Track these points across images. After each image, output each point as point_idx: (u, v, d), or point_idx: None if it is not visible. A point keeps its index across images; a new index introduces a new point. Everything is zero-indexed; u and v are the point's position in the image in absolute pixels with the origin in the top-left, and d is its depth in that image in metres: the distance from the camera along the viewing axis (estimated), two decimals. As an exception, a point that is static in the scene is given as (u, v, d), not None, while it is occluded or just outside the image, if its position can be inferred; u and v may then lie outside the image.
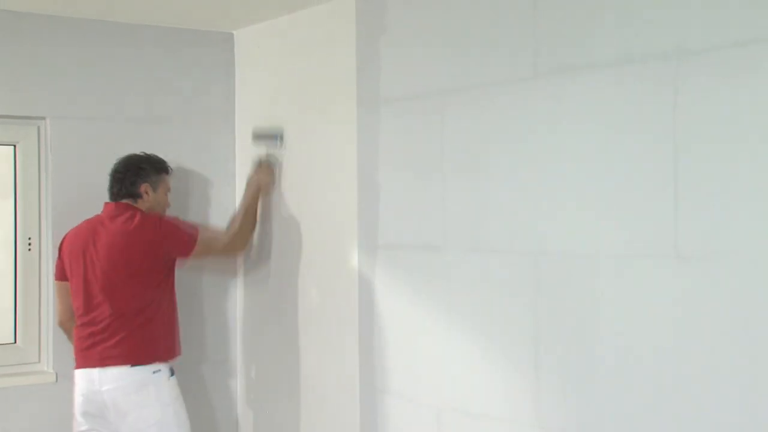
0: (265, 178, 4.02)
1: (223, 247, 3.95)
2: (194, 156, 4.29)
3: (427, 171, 3.27)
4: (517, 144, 2.93)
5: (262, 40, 4.25)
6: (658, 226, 2.51)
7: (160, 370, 3.63)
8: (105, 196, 3.83)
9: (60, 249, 3.80)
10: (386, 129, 3.46)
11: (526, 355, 2.90)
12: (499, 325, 3.00)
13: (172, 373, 3.68)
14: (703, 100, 2.41)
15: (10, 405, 3.93)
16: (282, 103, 4.10)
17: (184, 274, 4.01)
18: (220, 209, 4.36)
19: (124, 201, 3.76)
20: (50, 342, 4.00)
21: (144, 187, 3.78)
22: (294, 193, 4.02)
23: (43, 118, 4.02)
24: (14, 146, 4.03)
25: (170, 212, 3.94)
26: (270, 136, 4.07)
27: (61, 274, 3.79)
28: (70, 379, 3.73)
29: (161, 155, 3.94)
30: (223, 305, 4.38)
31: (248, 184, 4.05)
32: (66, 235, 3.80)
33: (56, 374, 3.97)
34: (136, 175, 3.78)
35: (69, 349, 3.81)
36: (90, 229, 3.72)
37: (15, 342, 4.05)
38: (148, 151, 3.89)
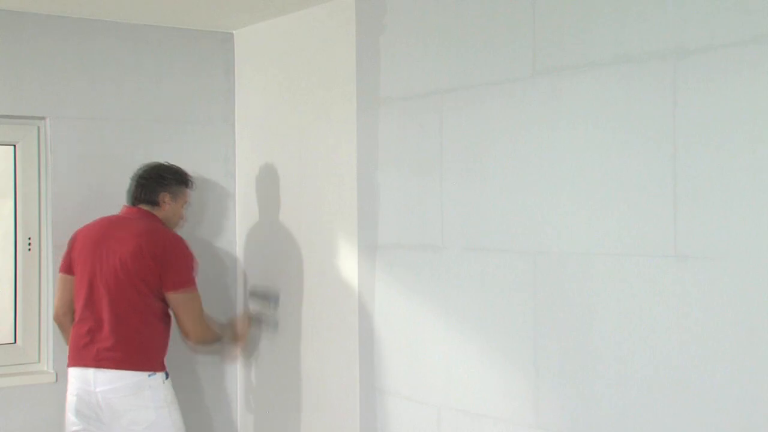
0: (245, 333, 4.08)
1: (191, 324, 3.73)
2: (194, 156, 4.28)
3: (427, 170, 3.27)
4: (516, 143, 2.93)
5: (262, 40, 4.25)
6: (657, 225, 2.51)
7: (155, 373, 3.63)
8: (105, 196, 3.82)
9: (71, 242, 3.78)
10: (386, 129, 3.46)
11: (525, 354, 2.90)
12: (499, 324, 3.00)
13: (167, 377, 3.68)
14: (702, 100, 2.41)
15: (10, 405, 3.94)
16: (282, 103, 4.11)
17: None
18: (219, 209, 4.37)
19: (143, 207, 3.77)
20: (50, 342, 4.00)
21: (163, 197, 3.78)
22: (293, 193, 4.02)
23: (43, 118, 4.02)
24: (14, 146, 4.03)
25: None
26: (265, 297, 4.13)
27: (67, 267, 3.78)
28: (70, 380, 3.73)
29: (161, 155, 3.94)
30: (222, 305, 4.38)
31: (232, 327, 4.06)
32: (80, 229, 3.78)
33: (56, 374, 3.96)
34: (157, 183, 3.78)
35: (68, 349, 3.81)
36: (106, 227, 3.72)
37: (15, 342, 4.05)
38: (148, 151, 3.88)
